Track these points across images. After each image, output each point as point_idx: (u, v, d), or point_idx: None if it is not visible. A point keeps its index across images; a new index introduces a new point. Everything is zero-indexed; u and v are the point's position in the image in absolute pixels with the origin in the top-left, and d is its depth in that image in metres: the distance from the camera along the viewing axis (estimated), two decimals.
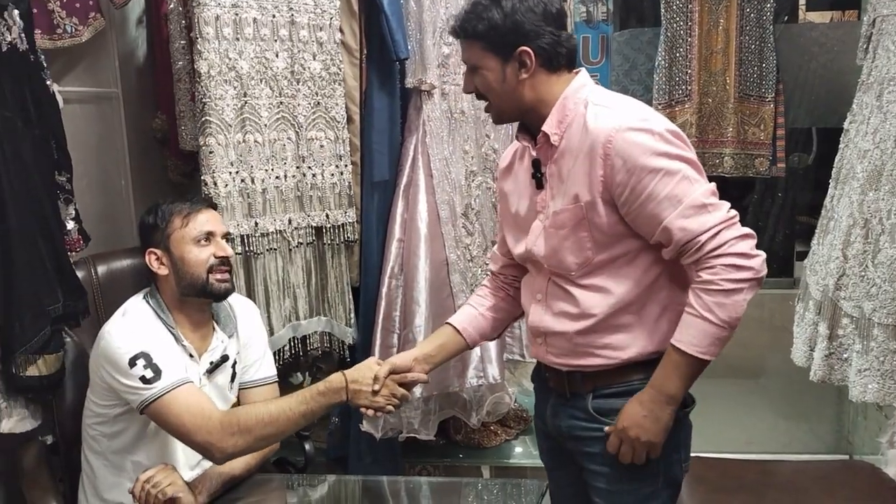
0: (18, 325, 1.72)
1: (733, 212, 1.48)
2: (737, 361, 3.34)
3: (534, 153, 1.62)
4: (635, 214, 1.50)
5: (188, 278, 1.86)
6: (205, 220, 1.89)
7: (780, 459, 2.45)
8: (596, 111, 1.52)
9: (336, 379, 1.74)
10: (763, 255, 1.47)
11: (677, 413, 1.60)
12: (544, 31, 1.54)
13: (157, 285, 1.90)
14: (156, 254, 1.88)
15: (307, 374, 2.85)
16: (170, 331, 1.85)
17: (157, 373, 1.72)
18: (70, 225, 2.05)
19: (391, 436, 2.49)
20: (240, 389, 2.02)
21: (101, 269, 2.13)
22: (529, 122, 1.62)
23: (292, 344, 2.45)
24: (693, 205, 1.46)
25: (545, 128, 1.57)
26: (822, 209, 2.42)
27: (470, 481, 2.31)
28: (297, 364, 2.57)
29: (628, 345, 1.57)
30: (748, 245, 1.46)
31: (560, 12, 1.59)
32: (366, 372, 1.75)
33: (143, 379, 1.71)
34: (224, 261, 1.89)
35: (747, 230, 1.47)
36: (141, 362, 1.72)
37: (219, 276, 1.87)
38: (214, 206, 1.99)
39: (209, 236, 1.89)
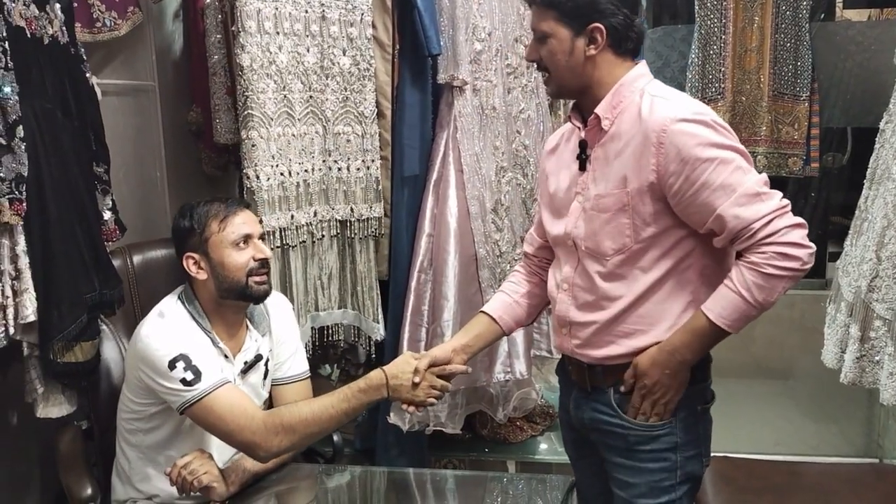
0: (56, 313, 1.75)
1: (785, 200, 1.50)
2: (767, 362, 3.32)
3: (582, 134, 1.63)
4: (687, 203, 1.51)
5: (228, 282, 1.85)
6: (241, 223, 1.88)
7: (809, 461, 2.43)
8: (651, 101, 1.54)
9: (376, 376, 1.76)
10: (813, 247, 1.49)
11: (696, 408, 1.63)
12: (619, 11, 1.56)
13: (194, 288, 1.89)
14: (194, 258, 1.87)
15: (335, 366, 2.87)
16: (206, 334, 1.85)
17: (198, 374, 1.73)
18: (107, 215, 2.08)
19: (418, 429, 2.50)
20: (273, 386, 2.03)
21: (137, 258, 2.17)
22: (583, 103, 1.64)
23: (313, 333, 2.46)
24: (747, 193, 1.47)
25: (598, 110, 1.59)
26: (855, 209, 2.39)
27: (495, 475, 2.32)
28: (325, 356, 2.59)
29: (648, 335, 1.59)
30: (800, 234, 1.47)
31: None
32: (404, 367, 1.77)
33: (184, 381, 1.73)
34: (263, 263, 1.88)
35: (799, 219, 1.49)
36: (181, 364, 1.73)
37: (258, 279, 1.87)
38: (248, 206, 1.97)
39: (247, 238, 1.87)
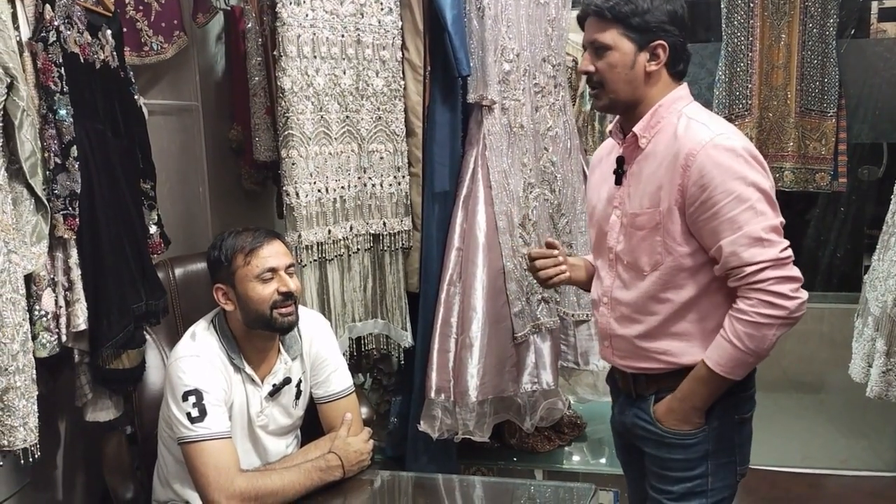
0: (105, 322, 1.83)
1: (788, 252, 1.54)
2: (797, 376, 3.32)
3: (620, 150, 1.71)
4: (699, 226, 1.57)
5: (253, 314, 1.88)
6: (267, 256, 1.89)
7: (832, 474, 2.43)
8: (687, 123, 1.60)
9: (332, 458, 1.91)
10: (802, 298, 1.55)
11: (733, 418, 1.69)
12: (679, 33, 1.64)
13: (225, 315, 1.95)
14: (222, 289, 1.91)
15: (368, 375, 2.93)
16: (231, 361, 1.91)
17: (202, 415, 1.78)
18: (153, 229, 2.16)
19: (447, 437, 2.54)
20: (320, 404, 2.06)
21: (179, 271, 2.24)
22: (629, 119, 1.69)
23: (350, 344, 2.52)
24: (750, 235, 1.52)
25: (636, 129, 1.65)
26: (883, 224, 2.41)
27: (522, 483, 2.33)
28: (358, 365, 2.65)
29: (685, 352, 1.65)
30: (788, 287, 1.53)
31: (685, 19, 1.67)
32: (348, 448, 1.94)
33: (189, 416, 1.78)
34: (287, 295, 1.89)
35: (794, 273, 1.54)
36: (192, 399, 1.79)
37: (283, 311, 1.88)
38: (278, 236, 1.98)
39: (272, 271, 1.89)
